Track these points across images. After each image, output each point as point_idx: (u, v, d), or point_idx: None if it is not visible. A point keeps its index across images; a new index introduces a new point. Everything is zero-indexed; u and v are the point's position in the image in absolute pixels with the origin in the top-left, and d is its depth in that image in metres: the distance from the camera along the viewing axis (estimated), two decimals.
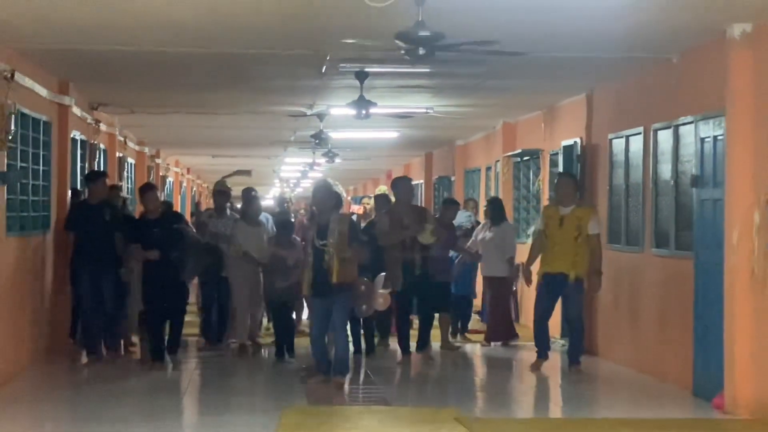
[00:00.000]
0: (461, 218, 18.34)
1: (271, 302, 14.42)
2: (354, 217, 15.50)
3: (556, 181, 14.15)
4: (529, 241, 17.16)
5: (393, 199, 14.70)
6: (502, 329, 15.91)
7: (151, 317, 13.12)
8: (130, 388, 12.16)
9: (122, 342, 14.21)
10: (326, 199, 11.98)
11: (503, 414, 11.03)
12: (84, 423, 10.21)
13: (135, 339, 14.16)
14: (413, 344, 14.18)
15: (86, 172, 15.50)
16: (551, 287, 13.09)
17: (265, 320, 16.24)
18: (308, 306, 12.08)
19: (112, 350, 13.80)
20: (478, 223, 18.32)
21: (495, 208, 16.43)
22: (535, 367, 13.30)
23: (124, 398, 11.43)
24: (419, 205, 14.90)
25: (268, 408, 10.92)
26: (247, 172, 32.23)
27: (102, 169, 17.91)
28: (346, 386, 11.91)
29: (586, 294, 13.25)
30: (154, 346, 13.17)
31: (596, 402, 12.01)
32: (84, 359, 13.48)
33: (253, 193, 15.28)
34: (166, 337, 13.39)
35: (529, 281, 13.75)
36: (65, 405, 11.23)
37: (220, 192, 15.64)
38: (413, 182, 15.33)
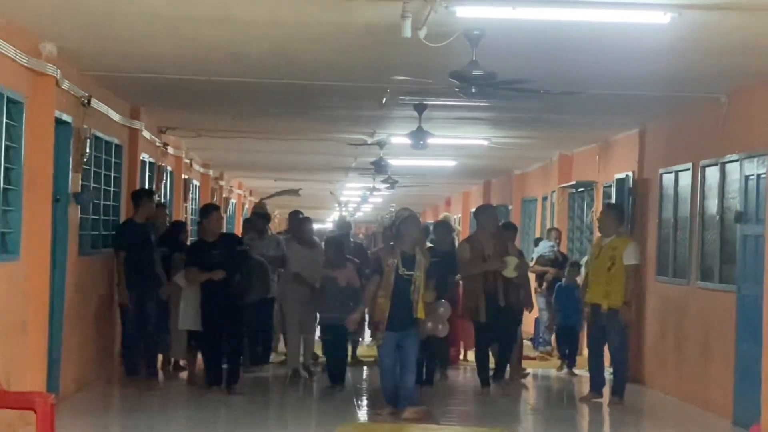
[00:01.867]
0: (543, 248, 18.62)
1: (326, 327, 13.92)
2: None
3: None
4: (583, 271, 17.57)
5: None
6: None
7: (209, 340, 12.90)
8: (182, 408, 12.28)
9: (163, 362, 14.12)
10: (415, 229, 11.80)
11: None
12: None
13: (182, 361, 14.27)
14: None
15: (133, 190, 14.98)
16: (594, 318, 13.23)
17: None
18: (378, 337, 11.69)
19: (150, 371, 13.46)
20: (561, 253, 18.51)
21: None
22: (586, 399, 13.39)
23: (175, 418, 11.63)
24: (504, 231, 14.34)
25: (325, 423, 11.31)
26: (295, 192, 30.72)
27: (169, 189, 18.56)
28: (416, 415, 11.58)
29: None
30: (211, 370, 12.99)
31: (640, 428, 12.38)
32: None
33: (301, 215, 15.31)
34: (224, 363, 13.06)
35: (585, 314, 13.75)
36: (117, 423, 11.62)
37: (260, 215, 15.70)
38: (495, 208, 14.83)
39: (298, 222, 15.25)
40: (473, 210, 14.87)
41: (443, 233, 15.23)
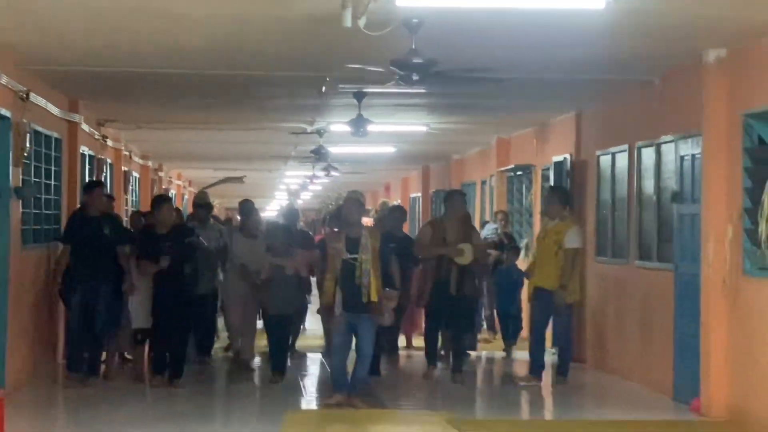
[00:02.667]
0: (487, 230, 18.70)
1: (270, 316, 13.57)
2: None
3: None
4: (523, 254, 17.79)
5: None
6: None
7: (161, 332, 12.75)
8: (128, 402, 12.09)
9: (108, 355, 13.68)
10: (357, 211, 11.64)
11: (493, 417, 11.62)
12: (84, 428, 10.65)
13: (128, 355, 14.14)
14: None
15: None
16: (539, 300, 13.25)
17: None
18: (328, 321, 11.79)
19: (92, 368, 13.00)
20: (506, 235, 18.55)
21: None
22: (524, 381, 13.45)
23: (120, 412, 11.50)
24: (470, 222, 14.14)
25: (271, 413, 11.31)
26: (239, 179, 30.34)
27: (109, 181, 18.48)
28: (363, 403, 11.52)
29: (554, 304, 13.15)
30: (158, 359, 12.92)
31: (583, 406, 12.53)
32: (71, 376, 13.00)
33: (250, 204, 15.19)
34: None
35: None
36: (64, 418, 11.58)
37: (201, 205, 15.48)
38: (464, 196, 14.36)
39: (245, 211, 15.11)
40: (433, 191, 14.63)
41: (398, 219, 15.17)
